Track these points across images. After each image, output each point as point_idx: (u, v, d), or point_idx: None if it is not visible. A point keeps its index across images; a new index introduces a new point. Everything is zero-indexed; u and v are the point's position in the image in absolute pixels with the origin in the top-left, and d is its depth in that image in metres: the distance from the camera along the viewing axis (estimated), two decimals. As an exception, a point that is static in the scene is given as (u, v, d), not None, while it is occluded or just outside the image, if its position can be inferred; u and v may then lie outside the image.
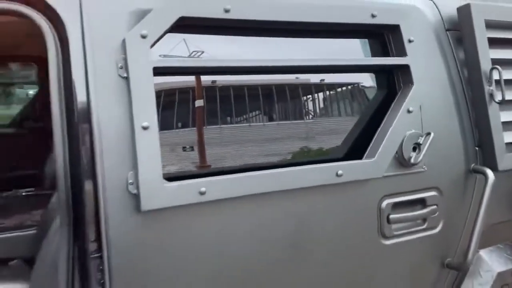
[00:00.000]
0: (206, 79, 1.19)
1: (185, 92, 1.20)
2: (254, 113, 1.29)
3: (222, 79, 1.22)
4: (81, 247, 1.12)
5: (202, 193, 1.09)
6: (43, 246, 1.32)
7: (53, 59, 1.08)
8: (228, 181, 1.13)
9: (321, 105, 1.39)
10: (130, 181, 1.05)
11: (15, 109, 3.56)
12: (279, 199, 1.18)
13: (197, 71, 1.16)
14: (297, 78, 1.33)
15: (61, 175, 1.07)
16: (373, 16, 1.33)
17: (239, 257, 1.18)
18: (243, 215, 1.16)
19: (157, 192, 1.05)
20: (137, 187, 1.04)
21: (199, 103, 1.19)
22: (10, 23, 1.30)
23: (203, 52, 1.18)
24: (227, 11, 1.15)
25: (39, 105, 3.11)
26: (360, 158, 1.31)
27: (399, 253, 1.40)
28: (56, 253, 1.18)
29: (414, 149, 1.36)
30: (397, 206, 1.38)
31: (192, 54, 1.17)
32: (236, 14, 1.16)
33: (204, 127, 1.20)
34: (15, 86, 4.07)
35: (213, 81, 1.20)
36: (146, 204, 1.04)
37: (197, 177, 1.10)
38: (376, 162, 1.29)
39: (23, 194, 2.30)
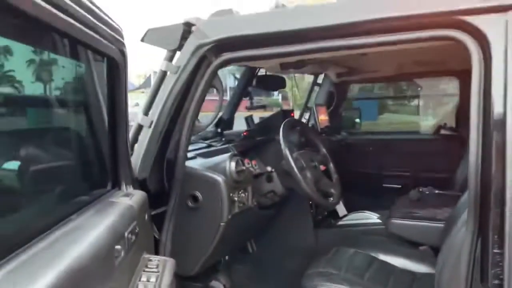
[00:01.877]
0: None
1: None
2: None
3: None
4: (484, 242, 1.25)
5: None
6: (451, 236, 1.53)
7: (477, 74, 1.25)
8: None
9: None
10: (541, 186, 1.09)
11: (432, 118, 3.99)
12: None
13: None
14: None
15: (473, 177, 1.24)
16: None
17: None
18: None
19: None
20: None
21: None
22: (438, 46, 1.56)
23: None
24: None
25: (457, 115, 3.33)
26: None
27: None
28: (460, 244, 1.36)
29: None
30: None
31: None
32: None
33: None
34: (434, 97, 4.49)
35: None
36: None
37: None
38: None
39: (436, 192, 2.62)
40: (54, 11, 0.91)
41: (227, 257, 2.29)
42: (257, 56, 1.61)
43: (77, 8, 1.03)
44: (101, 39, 1.21)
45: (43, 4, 0.85)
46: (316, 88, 3.46)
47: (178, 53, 1.66)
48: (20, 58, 0.98)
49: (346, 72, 2.98)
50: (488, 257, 1.21)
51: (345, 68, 2.82)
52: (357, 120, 3.73)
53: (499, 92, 1.19)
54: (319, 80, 3.45)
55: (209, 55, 1.59)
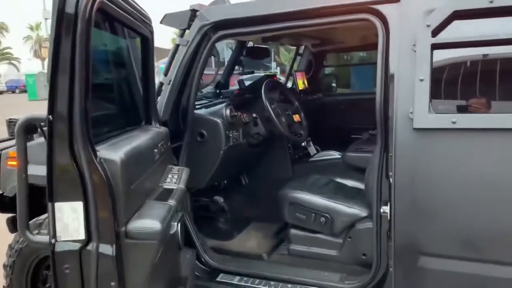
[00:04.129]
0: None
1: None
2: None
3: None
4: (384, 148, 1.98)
5: (453, 122, 1.71)
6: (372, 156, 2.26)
7: (381, 42, 1.95)
8: (475, 116, 1.71)
9: None
10: (410, 111, 1.80)
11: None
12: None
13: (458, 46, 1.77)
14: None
15: (378, 111, 1.94)
16: None
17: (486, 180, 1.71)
18: (491, 144, 1.68)
19: (423, 118, 1.75)
20: (413, 114, 1.79)
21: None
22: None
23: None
24: (491, 1, 1.67)
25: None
26: None
27: None
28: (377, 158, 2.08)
29: None
30: None
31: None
32: (499, 2, 1.66)
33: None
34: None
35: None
36: (416, 124, 1.76)
37: (453, 113, 1.74)
38: None
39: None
40: (123, 13, 1.64)
41: (225, 181, 3.06)
42: (243, 33, 2.32)
43: (131, 9, 1.76)
44: (140, 24, 1.93)
45: (122, 12, 1.60)
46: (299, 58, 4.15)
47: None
48: (104, 41, 1.74)
49: (319, 43, 3.66)
50: (384, 160, 1.95)
51: (317, 40, 3.50)
52: (333, 84, 4.42)
53: (394, 54, 1.89)
54: (301, 51, 4.14)
55: (209, 32, 2.29)
